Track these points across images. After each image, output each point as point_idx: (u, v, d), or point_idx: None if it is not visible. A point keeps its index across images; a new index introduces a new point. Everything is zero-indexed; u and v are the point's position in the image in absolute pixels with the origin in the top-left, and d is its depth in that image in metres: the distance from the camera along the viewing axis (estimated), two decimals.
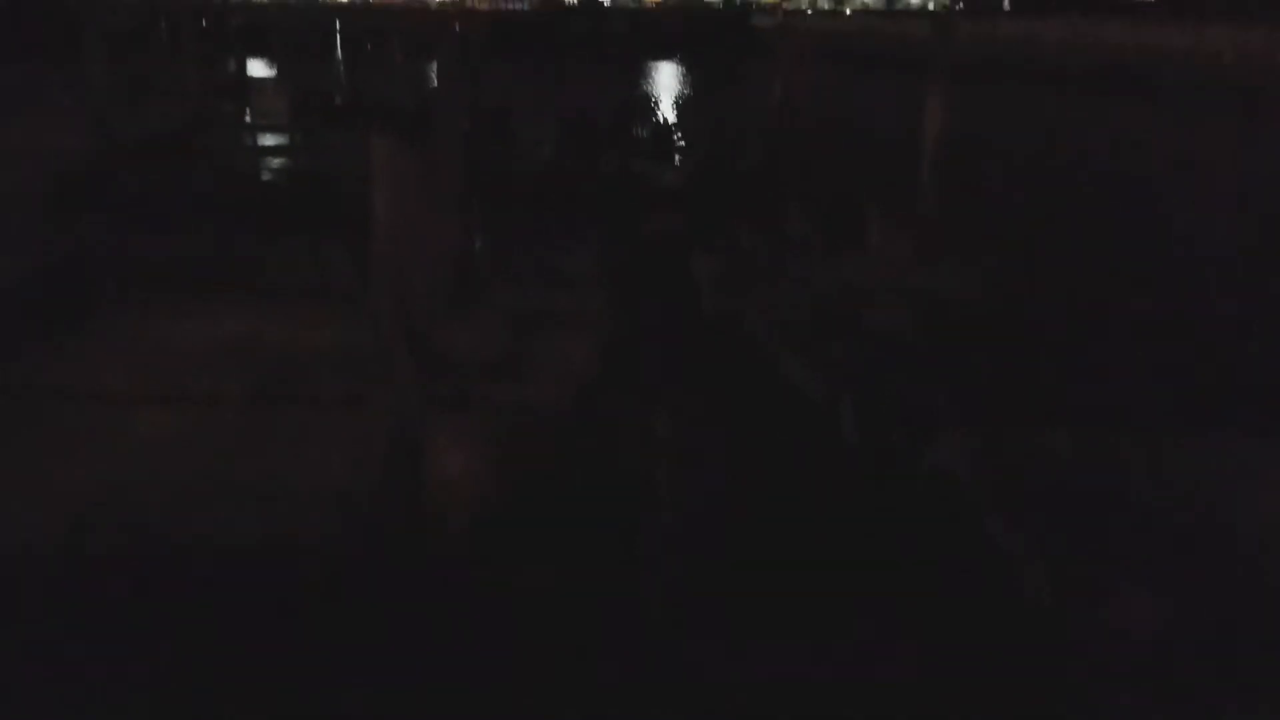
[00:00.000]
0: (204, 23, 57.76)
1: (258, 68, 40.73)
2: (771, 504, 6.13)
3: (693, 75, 60.49)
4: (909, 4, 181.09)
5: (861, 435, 6.81)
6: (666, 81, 56.40)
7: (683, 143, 22.99)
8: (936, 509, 5.89)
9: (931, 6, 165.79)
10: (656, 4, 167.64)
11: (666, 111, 33.46)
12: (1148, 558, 5.23)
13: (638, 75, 58.44)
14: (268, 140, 18.80)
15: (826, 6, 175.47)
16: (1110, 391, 7.48)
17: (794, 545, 5.64)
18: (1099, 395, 7.40)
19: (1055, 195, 18.96)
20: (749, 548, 5.62)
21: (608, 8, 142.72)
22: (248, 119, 20.29)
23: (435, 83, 10.27)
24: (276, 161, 17.81)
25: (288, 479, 6.00)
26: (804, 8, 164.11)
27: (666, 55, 76.03)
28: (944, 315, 9.02)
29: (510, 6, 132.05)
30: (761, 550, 5.59)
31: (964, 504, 5.82)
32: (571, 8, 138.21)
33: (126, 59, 28.75)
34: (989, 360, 7.97)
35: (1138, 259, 12.45)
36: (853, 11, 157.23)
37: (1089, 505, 5.69)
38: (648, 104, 38.27)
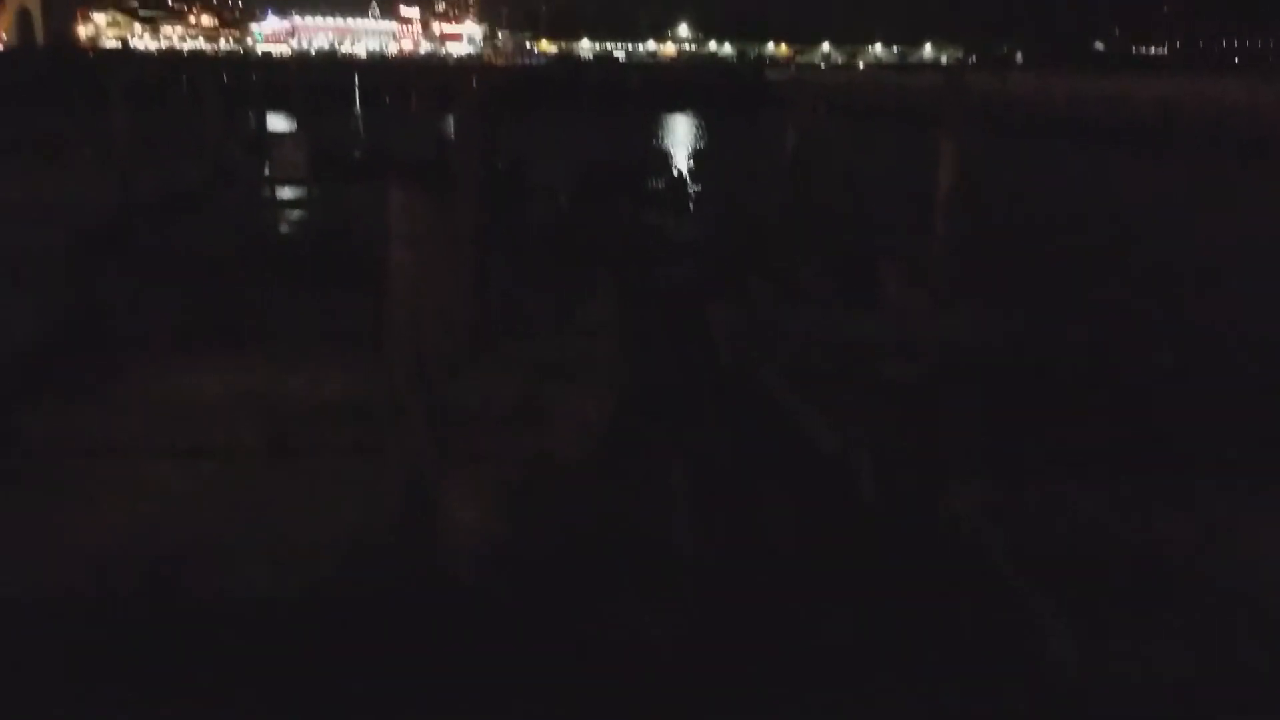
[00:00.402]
0: (225, 78, 58.71)
1: (278, 122, 41.26)
2: (787, 557, 6.10)
3: (707, 127, 60.97)
4: (921, 58, 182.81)
5: (878, 488, 6.77)
6: (681, 133, 56.85)
7: (697, 194, 23.13)
8: (955, 563, 5.84)
9: (944, 60, 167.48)
10: (671, 58, 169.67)
11: (681, 163, 33.62)
12: (1171, 612, 5.17)
13: (653, 127, 58.92)
14: (286, 194, 18.99)
15: (840, 60, 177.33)
16: (1130, 441, 7.42)
17: (810, 599, 5.60)
18: (1118, 444, 7.35)
19: (1069, 245, 18.97)
20: (765, 601, 5.58)
21: (623, 62, 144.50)
22: (266, 173, 20.51)
23: (452, 135, 10.42)
24: (294, 215, 17.98)
25: (302, 530, 6.00)
26: (817, 61, 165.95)
27: (681, 108, 76.70)
28: (960, 366, 9.00)
29: (527, 61, 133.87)
30: (777, 604, 5.55)
31: (983, 558, 5.77)
32: (587, 62, 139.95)
33: (149, 113, 29.12)
34: (1007, 411, 7.92)
35: (1152, 307, 12.41)
36: (865, 65, 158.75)
37: (1111, 559, 5.63)
38: (663, 156, 38.53)
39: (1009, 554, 5.64)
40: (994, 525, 5.95)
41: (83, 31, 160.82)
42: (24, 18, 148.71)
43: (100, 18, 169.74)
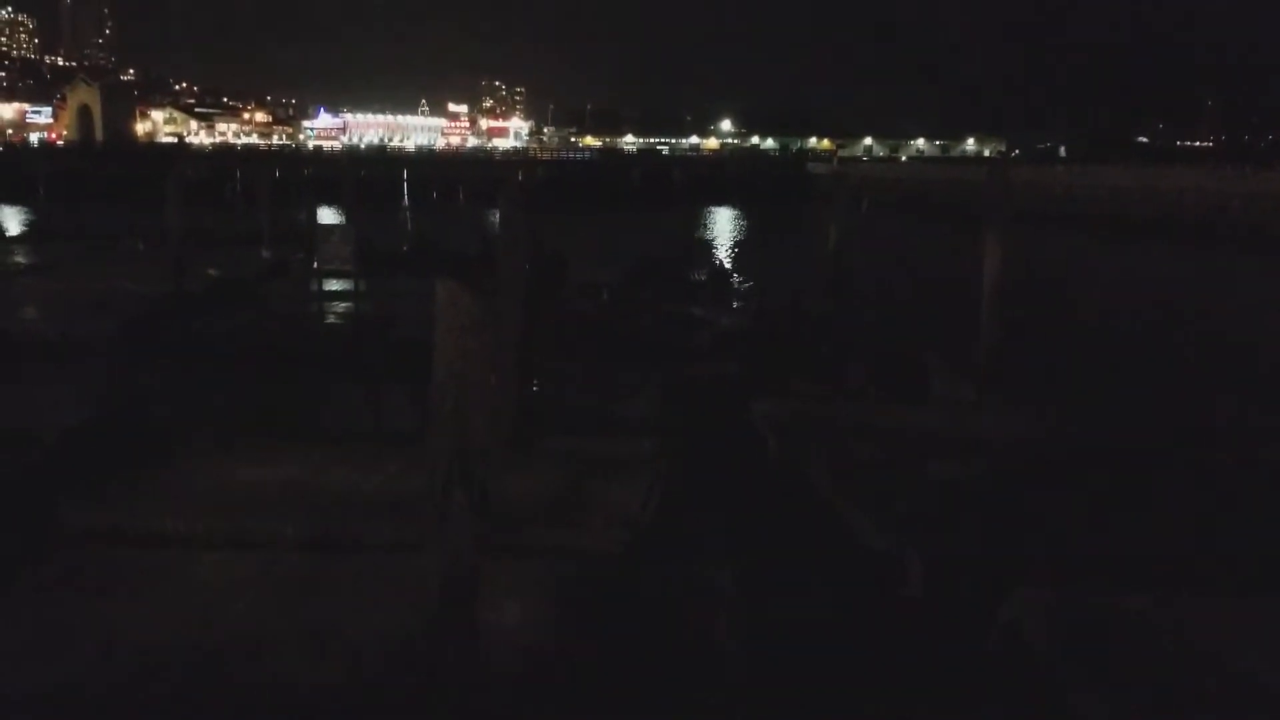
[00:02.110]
0: (277, 173, 60.05)
1: (327, 215, 41.99)
2: (833, 660, 5.94)
3: (749, 220, 61.43)
4: (964, 150, 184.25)
5: (927, 589, 6.61)
6: (724, 225, 57.32)
7: (740, 286, 23.19)
8: (1010, 672, 5.65)
9: (987, 153, 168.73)
10: (714, 151, 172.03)
11: (724, 256, 33.82)
12: None
13: (696, 220, 59.45)
14: (334, 286, 19.21)
15: (882, 153, 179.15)
16: (1187, 544, 7.20)
17: (858, 705, 5.43)
18: (1176, 548, 7.13)
19: (1118, 340, 18.78)
20: (809, 705, 5.42)
21: (666, 155, 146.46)
22: (315, 265, 20.80)
23: (498, 228, 10.56)
24: (341, 307, 18.16)
25: (345, 624, 5.94)
26: (859, 154, 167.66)
27: (724, 200, 77.42)
28: (1010, 463, 8.82)
29: (572, 155, 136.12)
30: (822, 709, 5.39)
31: (1041, 668, 5.56)
32: (631, 155, 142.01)
33: (204, 207, 29.75)
34: (1060, 510, 7.73)
35: (1206, 403, 12.18)
36: (907, 158, 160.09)
37: (1178, 670, 5.39)
38: (706, 247, 38.84)
39: (1070, 664, 5.42)
40: (1053, 632, 5.73)
41: (140, 128, 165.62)
42: (84, 114, 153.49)
43: (158, 114, 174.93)
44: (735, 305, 20.29)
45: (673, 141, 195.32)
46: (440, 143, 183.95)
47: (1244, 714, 5.02)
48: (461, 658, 5.21)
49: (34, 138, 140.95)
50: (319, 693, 5.26)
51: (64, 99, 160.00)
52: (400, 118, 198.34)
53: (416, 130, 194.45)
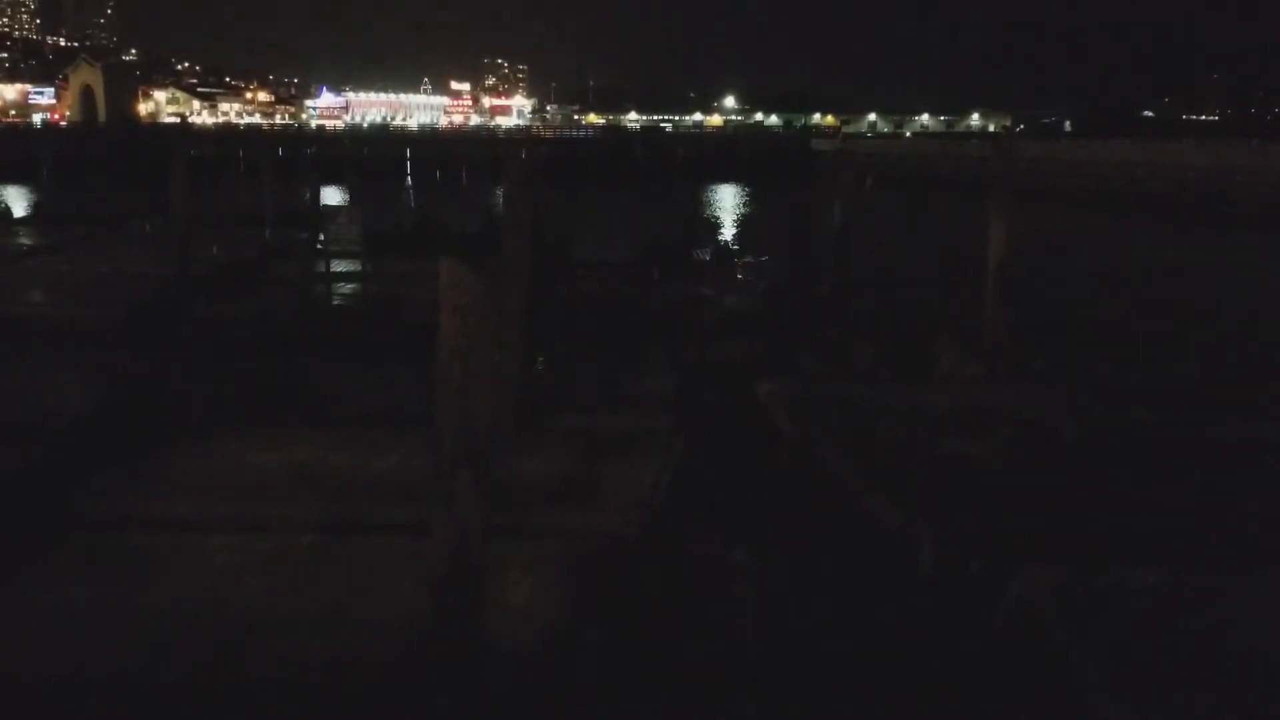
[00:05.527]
0: (280, 152, 59.95)
1: (331, 195, 41.93)
2: (846, 638, 5.95)
3: (754, 198, 61.25)
4: (968, 126, 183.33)
5: (939, 566, 6.61)
6: (728, 204, 57.17)
7: (745, 265, 23.10)
8: (1020, 648, 5.66)
9: (991, 128, 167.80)
10: (718, 128, 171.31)
11: (728, 234, 33.71)
12: (1246, 703, 4.94)
13: (700, 198, 59.28)
14: (339, 266, 19.17)
15: (886, 129, 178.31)
16: (1197, 521, 7.20)
17: (871, 681, 5.45)
18: (1185, 525, 7.13)
19: (1126, 316, 18.73)
20: (824, 682, 5.43)
21: (670, 132, 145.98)
22: (320, 245, 20.78)
23: (501, 207, 10.50)
24: (347, 287, 18.14)
25: (354, 605, 5.96)
26: (864, 131, 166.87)
27: (728, 178, 77.20)
28: (1021, 441, 8.81)
29: (575, 133, 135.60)
30: (838, 685, 5.40)
31: (1050, 644, 5.57)
32: (634, 133, 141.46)
33: (208, 187, 29.65)
34: (1070, 488, 7.74)
35: (1217, 380, 12.15)
36: (912, 134, 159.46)
37: (1187, 647, 5.39)
38: (711, 226, 38.76)
39: (1081, 640, 5.42)
40: (1064, 608, 5.73)
41: (143, 108, 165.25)
42: (87, 94, 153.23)
43: (160, 95, 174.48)
44: (741, 283, 20.22)
45: (676, 119, 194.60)
46: (443, 121, 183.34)
47: (1253, 689, 5.03)
48: (469, 638, 5.23)
49: (37, 118, 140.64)
50: (329, 673, 5.28)
51: (66, 80, 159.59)
52: (403, 96, 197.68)
53: (419, 109, 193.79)
